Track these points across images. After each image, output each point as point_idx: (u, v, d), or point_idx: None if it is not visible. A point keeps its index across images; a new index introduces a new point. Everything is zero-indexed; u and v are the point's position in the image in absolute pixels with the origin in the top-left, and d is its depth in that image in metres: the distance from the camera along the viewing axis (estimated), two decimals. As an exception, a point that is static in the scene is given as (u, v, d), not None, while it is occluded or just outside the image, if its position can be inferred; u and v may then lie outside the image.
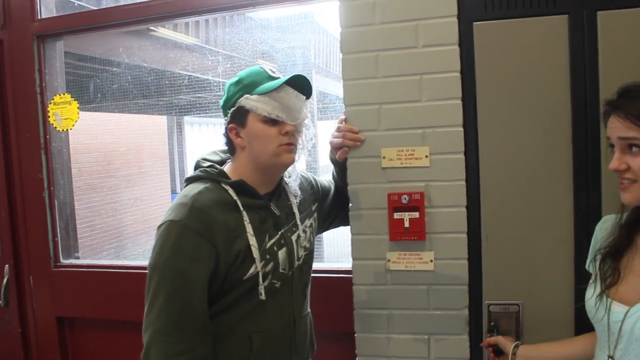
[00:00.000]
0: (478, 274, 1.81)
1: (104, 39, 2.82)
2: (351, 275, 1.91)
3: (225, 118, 1.65)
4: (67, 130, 2.68)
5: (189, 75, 2.83)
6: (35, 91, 2.66)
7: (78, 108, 2.62)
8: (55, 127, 2.67)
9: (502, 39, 1.73)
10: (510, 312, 1.78)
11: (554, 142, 1.73)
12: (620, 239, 1.37)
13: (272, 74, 1.65)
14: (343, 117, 1.86)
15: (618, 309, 1.28)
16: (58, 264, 2.74)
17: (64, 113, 2.64)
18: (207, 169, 1.64)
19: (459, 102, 1.77)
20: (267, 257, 1.60)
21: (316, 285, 1.89)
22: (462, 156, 1.78)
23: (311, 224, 1.82)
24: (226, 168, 1.68)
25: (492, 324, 1.78)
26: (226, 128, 1.65)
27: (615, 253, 1.36)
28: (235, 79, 1.67)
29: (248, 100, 1.59)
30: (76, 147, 2.87)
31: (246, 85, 1.62)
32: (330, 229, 2.02)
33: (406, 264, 1.85)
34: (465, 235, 1.80)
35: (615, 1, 1.66)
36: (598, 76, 1.67)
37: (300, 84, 1.62)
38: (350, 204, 1.88)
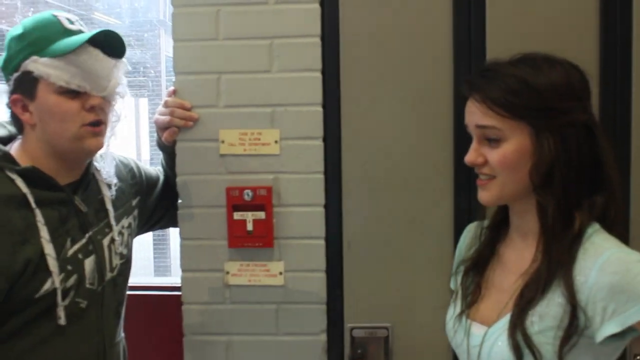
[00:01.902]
0: (339, 290, 1.83)
1: None
2: (179, 293, 1.88)
3: (8, 84, 1.55)
4: None
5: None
6: None
7: None
8: None
9: (374, -3, 1.76)
10: (377, 337, 1.82)
11: (433, 129, 1.78)
12: (482, 248, 1.45)
13: (70, 27, 1.56)
14: (171, 88, 1.82)
15: (477, 331, 1.33)
16: None
17: None
18: None
19: (319, 74, 1.78)
20: (69, 267, 1.55)
21: (132, 306, 1.85)
22: (320, 143, 1.80)
23: (130, 224, 1.78)
24: (13, 148, 1.60)
25: (359, 351, 1.81)
26: (8, 99, 1.55)
27: (477, 265, 1.43)
28: (18, 30, 1.55)
29: (37, 64, 1.49)
30: None
31: (33, 42, 1.51)
32: (154, 229, 2.00)
33: (249, 277, 1.84)
34: (323, 242, 1.82)
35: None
36: (485, 46, 1.75)
37: (109, 42, 1.56)
38: (179, 201, 1.85)
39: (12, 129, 1.65)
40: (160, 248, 4.45)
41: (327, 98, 1.80)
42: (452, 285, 1.54)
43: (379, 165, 1.80)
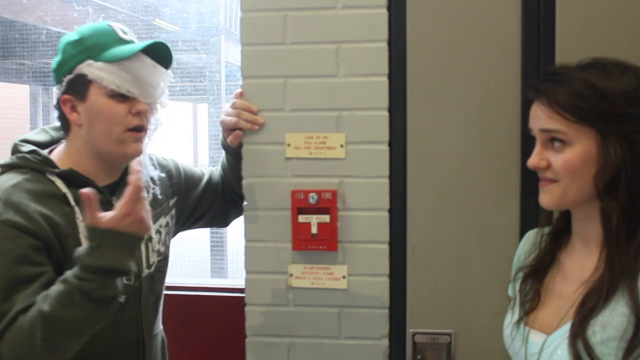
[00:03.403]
0: (402, 296, 1.83)
1: None
2: (243, 295, 1.91)
3: (59, 86, 1.64)
4: None
5: (47, 30, 2.75)
6: None
7: None
8: None
9: (442, 1, 1.77)
10: (440, 343, 1.82)
11: (500, 133, 1.77)
12: (542, 255, 1.43)
13: (124, 36, 1.66)
14: (239, 90, 1.86)
15: (536, 338, 1.32)
16: None
17: None
18: (27, 155, 1.62)
19: (385, 79, 1.79)
20: None
21: (198, 307, 1.88)
22: (386, 147, 1.81)
23: (167, 223, 1.85)
24: (56, 152, 1.69)
25: (419, 357, 1.82)
26: (59, 99, 1.64)
27: (536, 272, 1.42)
28: (74, 36, 1.65)
29: (91, 68, 1.59)
30: None
31: (89, 48, 1.61)
32: (192, 228, 2.04)
33: (313, 280, 1.86)
34: (387, 246, 1.83)
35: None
36: (555, 49, 1.73)
37: (159, 53, 1.65)
38: (245, 202, 1.88)
39: (54, 134, 1.76)
40: (217, 250, 4.52)
41: (393, 102, 1.81)
42: (509, 292, 1.54)
43: (444, 169, 1.81)
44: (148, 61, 1.63)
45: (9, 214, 1.49)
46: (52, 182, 1.59)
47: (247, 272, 1.90)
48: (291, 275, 1.87)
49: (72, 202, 1.58)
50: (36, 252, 1.49)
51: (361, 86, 1.81)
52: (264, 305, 1.89)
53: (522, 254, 1.52)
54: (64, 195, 1.59)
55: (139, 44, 1.63)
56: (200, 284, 2.40)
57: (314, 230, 1.82)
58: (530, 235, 1.53)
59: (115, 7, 2.64)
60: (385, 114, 1.81)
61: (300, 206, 1.83)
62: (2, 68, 3.48)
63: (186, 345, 1.97)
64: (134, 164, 1.59)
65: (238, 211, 1.96)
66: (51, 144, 1.74)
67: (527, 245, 1.51)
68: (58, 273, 1.49)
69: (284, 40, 1.83)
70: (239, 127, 1.84)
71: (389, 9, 1.79)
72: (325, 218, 1.82)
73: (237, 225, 1.98)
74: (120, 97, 1.61)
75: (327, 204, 1.82)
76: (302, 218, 1.83)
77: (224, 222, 2.07)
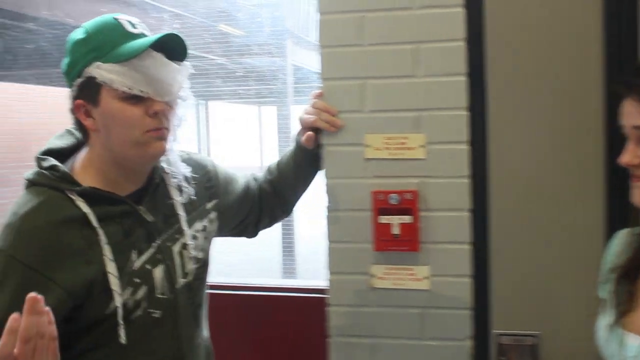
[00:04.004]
0: (485, 296, 1.83)
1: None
2: (326, 295, 1.92)
3: (71, 90, 1.53)
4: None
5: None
6: None
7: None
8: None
9: (520, -1, 1.76)
10: (525, 344, 1.80)
11: (583, 131, 1.75)
12: (635, 256, 1.39)
13: (132, 30, 1.53)
14: (318, 91, 1.87)
15: (634, 341, 1.30)
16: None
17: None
18: (46, 172, 1.52)
19: (464, 78, 1.79)
20: (137, 280, 1.55)
21: (281, 308, 1.90)
22: (466, 147, 1.80)
23: (204, 227, 1.74)
24: (79, 160, 1.60)
25: (503, 359, 1.81)
26: (72, 105, 1.54)
27: (629, 274, 1.39)
28: (80, 35, 1.53)
29: (100, 70, 1.47)
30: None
31: (96, 47, 1.49)
32: (228, 235, 1.94)
33: (395, 280, 1.86)
34: (469, 247, 1.82)
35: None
36: (637, 44, 1.69)
37: (171, 46, 1.53)
38: (327, 204, 1.89)
39: (79, 135, 1.63)
40: (288, 251, 4.60)
41: (473, 102, 1.80)
42: (600, 294, 1.50)
43: (526, 168, 1.79)
44: (160, 57, 1.50)
45: (21, 248, 1.44)
46: (72, 201, 1.49)
47: (330, 273, 1.91)
48: (373, 276, 1.88)
49: (94, 223, 1.48)
50: (44, 291, 1.34)
51: (440, 86, 1.80)
52: (347, 306, 1.91)
53: (613, 254, 1.48)
54: (84, 216, 1.48)
55: (148, 39, 1.50)
56: (277, 284, 2.42)
57: (396, 231, 1.82)
58: (622, 235, 1.50)
59: (186, 13, 2.68)
60: (465, 113, 1.80)
61: (381, 207, 1.83)
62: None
63: (259, 345, 1.98)
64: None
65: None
66: (77, 146, 1.63)
67: (618, 245, 1.48)
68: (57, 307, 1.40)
69: (361, 42, 1.84)
70: (317, 126, 1.83)
71: (466, 7, 1.78)
72: (407, 219, 1.82)
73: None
74: (135, 99, 1.48)
75: (408, 205, 1.82)
76: (383, 219, 1.83)
77: (254, 231, 1.99)
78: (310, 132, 1.83)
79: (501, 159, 1.80)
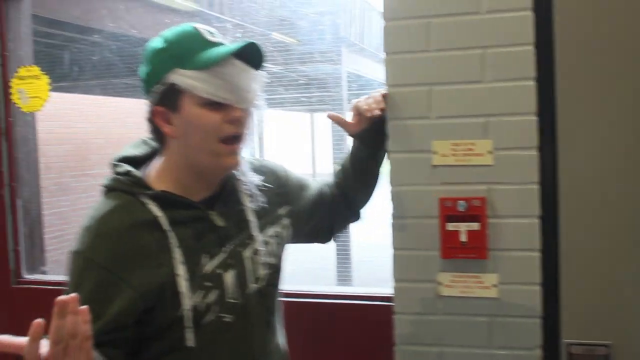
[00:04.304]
0: (555, 304, 1.80)
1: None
2: (391, 303, 1.91)
3: (149, 97, 1.57)
4: (34, 111, 2.72)
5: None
6: (-5, 61, 2.69)
7: (49, 85, 2.66)
8: (20, 108, 2.70)
9: (591, 1, 1.73)
10: (596, 354, 1.77)
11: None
12: None
13: (211, 39, 1.56)
14: (384, 92, 1.86)
15: None
16: (20, 279, 2.77)
17: (31, 90, 2.67)
18: (120, 177, 1.57)
19: (532, 83, 1.76)
20: (208, 284, 1.57)
21: (344, 316, 1.90)
22: (535, 152, 1.77)
23: (277, 232, 1.76)
24: (154, 167, 1.63)
25: (573, 368, 1.77)
26: (151, 112, 1.57)
27: None
28: (160, 43, 1.57)
29: (182, 77, 1.50)
30: (43, 136, 2.91)
31: (177, 55, 1.53)
32: (303, 242, 1.94)
33: (462, 288, 1.84)
34: (538, 254, 1.79)
35: None
36: None
37: (249, 54, 1.55)
38: (392, 211, 1.89)
39: (154, 145, 1.66)
40: (343, 258, 4.59)
41: (542, 107, 1.78)
42: None
43: (598, 174, 1.76)
44: (239, 64, 1.52)
45: (97, 250, 1.49)
46: (145, 205, 1.54)
47: (396, 280, 1.90)
48: (440, 283, 1.86)
49: (166, 227, 1.52)
50: (118, 293, 1.47)
51: (508, 91, 1.78)
52: (413, 314, 1.89)
53: None
54: (156, 220, 1.53)
55: (229, 47, 1.53)
56: (339, 291, 2.40)
57: (463, 238, 1.81)
58: None
59: (244, 23, 2.70)
60: (534, 118, 1.77)
61: (449, 214, 1.82)
62: (130, 85, 3.65)
63: (323, 353, 1.98)
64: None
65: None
66: (151, 155, 1.67)
67: None
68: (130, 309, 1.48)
69: (427, 48, 1.83)
70: (370, 112, 1.82)
71: (535, 10, 1.76)
72: (475, 226, 1.80)
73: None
74: (214, 105, 1.51)
75: (476, 212, 1.80)
76: (450, 226, 1.82)
77: (328, 237, 1.99)
78: (358, 117, 1.84)
79: (571, 165, 1.77)
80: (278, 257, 1.75)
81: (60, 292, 2.71)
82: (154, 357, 1.56)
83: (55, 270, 3.00)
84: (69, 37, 3.04)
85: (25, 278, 2.79)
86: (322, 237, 1.97)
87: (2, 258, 2.76)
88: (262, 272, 1.67)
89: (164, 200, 1.55)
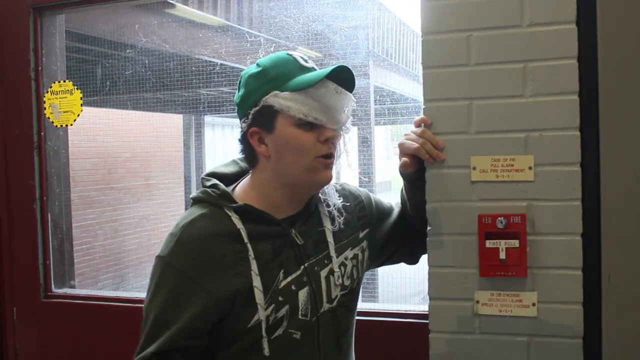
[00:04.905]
0: (597, 325, 1.75)
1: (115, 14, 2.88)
2: (427, 321, 1.87)
3: (244, 119, 1.66)
4: (66, 126, 2.73)
5: (221, 63, 2.87)
6: (30, 76, 2.72)
7: (81, 99, 2.67)
8: (53, 122, 2.72)
9: (637, 14, 1.69)
10: (638, 377, 1.71)
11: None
12: None
13: (305, 64, 1.66)
14: (423, 117, 1.82)
15: None
16: (49, 293, 2.78)
17: (63, 104, 2.70)
18: (208, 190, 1.67)
19: (576, 97, 1.73)
20: (280, 299, 1.62)
21: (376, 333, 1.86)
22: (577, 169, 1.74)
23: (355, 255, 1.81)
24: (241, 184, 1.72)
25: (613, 391, 1.72)
26: (245, 132, 1.66)
27: None
28: (255, 69, 1.67)
29: (277, 98, 1.59)
30: (70, 150, 2.93)
31: (273, 79, 1.62)
32: (388, 264, 2.00)
33: (501, 307, 1.80)
34: (580, 272, 1.75)
35: None
36: None
37: (342, 77, 1.63)
38: (428, 228, 1.85)
39: (244, 166, 1.77)
40: (367, 273, 4.52)
41: (585, 122, 1.74)
42: None
43: (641, 191, 1.71)
44: (332, 86, 1.61)
45: (178, 256, 1.58)
46: (229, 217, 1.62)
47: (431, 298, 1.86)
48: (478, 302, 1.82)
49: (245, 239, 1.60)
50: (194, 298, 1.55)
51: (550, 106, 1.74)
52: (449, 333, 1.85)
53: None
54: (238, 232, 1.61)
55: (323, 70, 1.62)
56: (372, 308, 2.36)
57: (502, 255, 1.76)
58: None
59: (278, 40, 2.69)
60: (577, 133, 1.73)
61: (488, 231, 1.77)
62: (160, 99, 3.66)
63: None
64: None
65: (423, 247, 1.89)
66: (240, 174, 1.77)
67: None
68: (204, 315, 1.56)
69: (467, 62, 1.80)
70: (418, 154, 1.78)
71: (578, 24, 1.73)
72: (514, 243, 1.76)
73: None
74: (308, 126, 1.60)
75: (516, 229, 1.76)
76: (489, 243, 1.77)
77: (413, 259, 2.00)
78: (405, 160, 1.79)
79: (614, 181, 1.73)
80: (354, 280, 1.79)
81: (88, 306, 2.73)
82: None
83: (80, 284, 3.00)
84: (102, 52, 3.06)
85: (54, 292, 2.80)
86: (405, 259, 2.00)
87: (32, 272, 2.77)
88: (337, 292, 1.72)
89: (247, 214, 1.63)
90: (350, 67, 1.65)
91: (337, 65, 1.61)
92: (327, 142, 1.62)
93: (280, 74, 1.62)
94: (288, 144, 1.61)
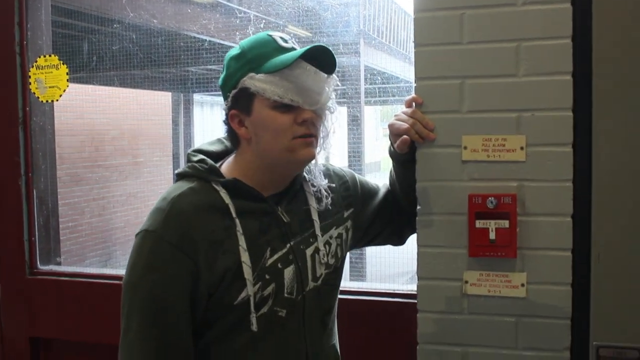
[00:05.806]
0: (585, 306, 1.75)
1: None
2: (414, 300, 1.87)
3: (226, 102, 1.64)
4: (52, 101, 2.70)
5: (210, 40, 2.82)
6: (14, 50, 2.68)
7: (67, 74, 2.64)
8: (38, 97, 2.68)
9: (631, -5, 1.68)
10: (627, 358, 1.72)
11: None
12: None
13: (284, 45, 1.62)
14: (414, 96, 1.80)
15: None
16: (34, 270, 2.76)
17: (49, 79, 2.66)
18: (195, 164, 1.64)
19: (569, 78, 1.71)
20: (267, 277, 1.61)
21: (364, 312, 1.85)
22: (569, 149, 1.72)
23: (340, 234, 1.81)
24: (227, 162, 1.70)
25: (602, 372, 1.73)
26: (227, 115, 1.65)
27: None
28: (236, 50, 1.65)
29: (253, 81, 1.57)
30: (57, 127, 2.90)
31: (250, 60, 1.59)
32: (374, 244, 2.00)
33: (489, 287, 1.79)
34: (569, 254, 1.74)
35: None
36: None
37: (321, 58, 1.60)
38: (418, 207, 1.83)
39: (229, 144, 1.75)
40: (356, 253, 4.52)
41: (578, 102, 1.72)
42: None
43: (633, 173, 1.70)
44: (309, 67, 1.58)
45: (169, 229, 1.53)
46: (217, 192, 1.60)
47: (420, 278, 1.85)
48: (466, 282, 1.81)
49: (234, 214, 1.58)
50: (187, 272, 1.53)
51: (543, 86, 1.73)
52: (437, 313, 1.85)
53: None
54: (227, 207, 1.59)
55: (298, 51, 1.59)
56: (358, 287, 2.35)
57: (492, 236, 1.75)
58: None
59: (268, 17, 2.64)
60: (569, 114, 1.72)
61: (478, 211, 1.76)
62: (147, 76, 3.61)
63: (345, 351, 1.93)
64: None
65: (412, 228, 1.88)
66: (225, 153, 1.75)
67: None
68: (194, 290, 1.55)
69: (460, 40, 1.77)
70: (408, 135, 1.76)
71: (573, 3, 1.71)
72: (504, 223, 1.75)
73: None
74: (285, 107, 1.57)
75: (506, 209, 1.74)
76: (479, 223, 1.76)
77: (400, 241, 2.00)
78: (405, 137, 1.76)
79: (606, 163, 1.71)
80: (338, 258, 1.79)
81: (74, 283, 2.70)
82: (213, 342, 1.61)
83: (67, 261, 2.98)
84: (88, 28, 3.01)
85: (39, 269, 2.78)
86: (392, 240, 2.00)
87: (17, 248, 2.75)
88: (321, 271, 1.72)
89: (235, 189, 1.61)
90: (329, 47, 1.62)
91: (312, 45, 1.58)
92: (304, 124, 1.59)
93: (257, 55, 1.59)
94: (265, 126, 1.59)
